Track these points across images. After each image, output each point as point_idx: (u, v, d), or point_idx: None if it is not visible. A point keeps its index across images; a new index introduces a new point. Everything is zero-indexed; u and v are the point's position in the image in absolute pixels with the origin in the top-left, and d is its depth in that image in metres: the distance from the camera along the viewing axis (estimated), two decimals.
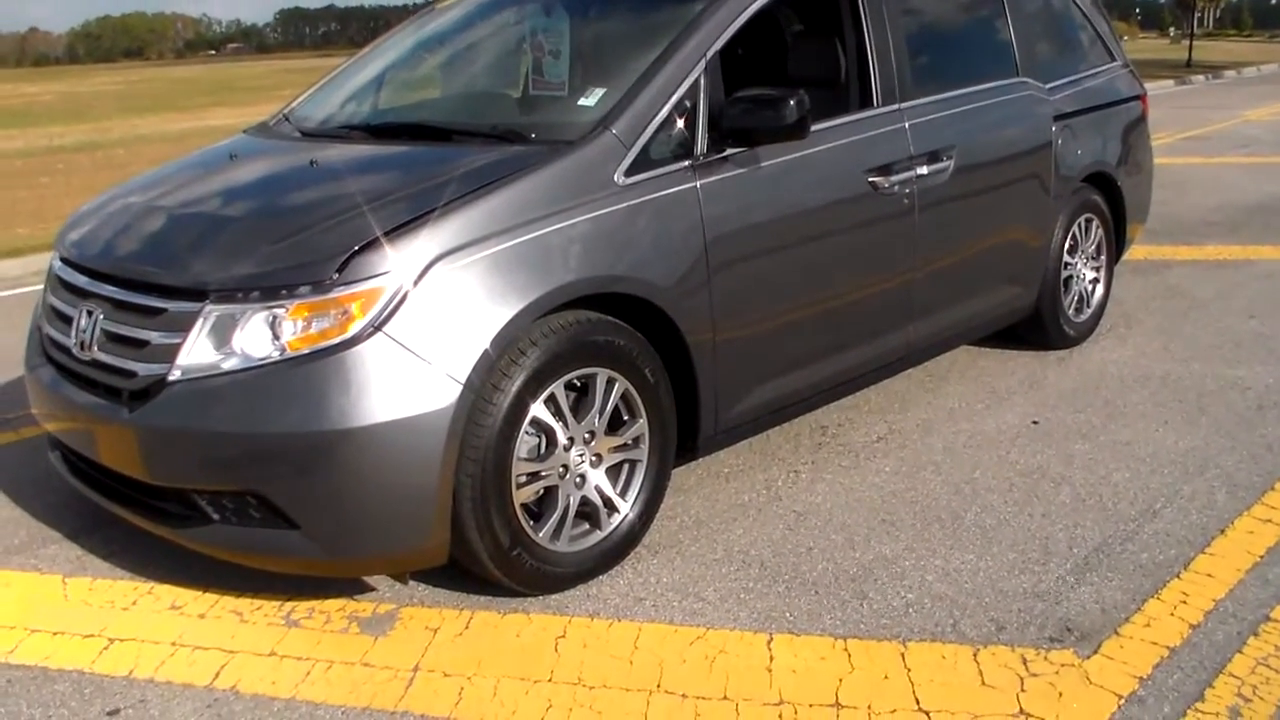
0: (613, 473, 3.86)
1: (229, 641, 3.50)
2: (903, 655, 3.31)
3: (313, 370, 3.25)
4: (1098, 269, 6.36)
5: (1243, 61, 40.93)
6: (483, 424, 3.37)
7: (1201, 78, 33.39)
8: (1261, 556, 3.84)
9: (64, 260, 4.09)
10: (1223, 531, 4.03)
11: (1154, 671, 3.19)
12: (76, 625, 3.63)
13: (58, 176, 15.92)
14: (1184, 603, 3.55)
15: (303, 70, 52.27)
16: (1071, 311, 6.16)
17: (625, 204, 3.77)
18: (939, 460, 4.72)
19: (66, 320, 3.87)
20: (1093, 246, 6.28)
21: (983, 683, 3.17)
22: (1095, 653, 3.29)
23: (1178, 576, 3.72)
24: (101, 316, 3.69)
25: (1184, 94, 27.41)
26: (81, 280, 3.89)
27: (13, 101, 41.86)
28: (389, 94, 5.12)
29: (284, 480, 3.30)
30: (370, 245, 3.33)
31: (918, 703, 3.09)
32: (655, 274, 3.83)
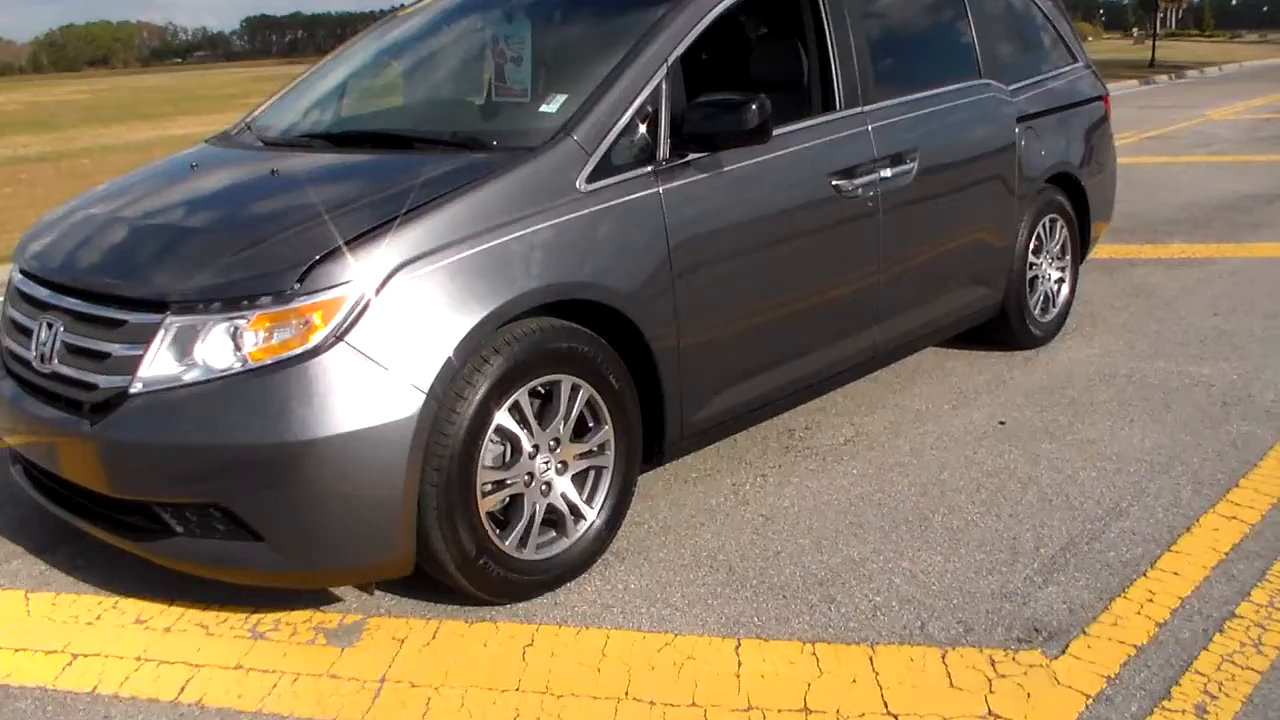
0: (579, 480, 3.85)
1: (195, 655, 3.48)
2: (871, 658, 3.31)
3: (275, 381, 3.23)
4: (1063, 269, 6.40)
5: (1205, 61, 41.20)
6: (447, 433, 3.36)
7: (1165, 77, 33.60)
8: (1227, 553, 3.86)
9: (24, 273, 4.06)
10: (1189, 529, 4.05)
11: (1121, 670, 3.20)
12: (39, 641, 3.59)
13: (22, 187, 15.79)
14: (1151, 601, 3.57)
15: (269, 78, 52.01)
16: (1037, 311, 6.19)
17: (587, 210, 3.76)
18: (906, 462, 4.73)
19: (26, 333, 3.83)
20: (1057, 246, 6.31)
21: (951, 685, 3.18)
22: (1063, 653, 3.30)
23: (1144, 575, 3.73)
24: (62, 329, 3.66)
25: (1148, 94, 27.59)
26: (41, 293, 3.85)
27: None
28: (351, 102, 5.10)
29: (248, 492, 3.28)
30: (331, 254, 3.31)
31: (886, 706, 3.09)
32: (618, 280, 3.82)
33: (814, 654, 3.35)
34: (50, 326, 3.70)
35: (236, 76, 74.23)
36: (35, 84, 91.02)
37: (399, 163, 4.03)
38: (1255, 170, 12.71)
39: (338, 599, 3.77)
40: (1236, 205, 10.48)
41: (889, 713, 3.07)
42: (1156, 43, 41.94)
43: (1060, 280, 6.40)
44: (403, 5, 5.81)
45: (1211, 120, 19.34)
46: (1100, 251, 7.91)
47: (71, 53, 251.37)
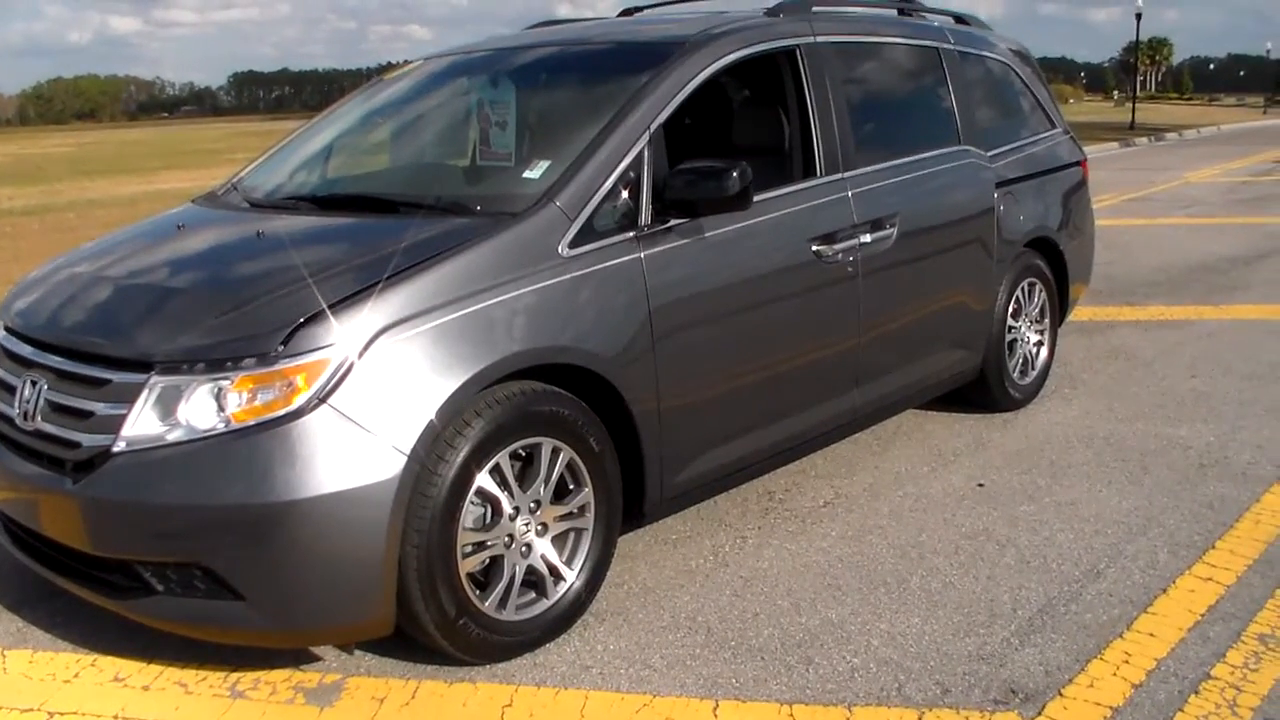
0: (559, 541, 3.86)
1: (173, 714, 3.47)
2: None
3: (258, 442, 3.25)
4: (1042, 331, 6.46)
5: (1184, 124, 41.72)
6: (428, 495, 3.38)
7: (1145, 140, 34.03)
8: (1202, 615, 3.88)
9: (8, 330, 4.07)
10: (1165, 590, 4.08)
11: None
12: (15, 699, 3.57)
13: (5, 240, 15.81)
14: (1126, 662, 3.59)
15: (255, 134, 52.28)
16: (1016, 374, 6.24)
17: (569, 275, 3.80)
18: (885, 524, 4.75)
19: (10, 390, 3.84)
20: (1036, 310, 6.37)
21: None
22: (1039, 714, 3.32)
23: (1120, 636, 3.76)
24: (46, 387, 3.68)
25: (1128, 156, 27.89)
26: (26, 350, 3.87)
27: None
28: (336, 165, 5.15)
29: (229, 552, 3.29)
30: (315, 317, 3.34)
31: None
32: (600, 344, 3.86)
33: (792, 715, 3.36)
34: (34, 384, 3.71)
35: (223, 131, 74.58)
36: (22, 137, 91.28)
37: (383, 226, 4.07)
38: (1232, 232, 12.86)
39: (317, 658, 3.77)
40: (1214, 267, 10.60)
41: None
42: (1136, 105, 42.49)
43: (1039, 343, 6.46)
44: (390, 65, 5.87)
45: (1190, 182, 19.57)
46: (1079, 314, 7.98)
47: (59, 106, 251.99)
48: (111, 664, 3.77)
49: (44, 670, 3.76)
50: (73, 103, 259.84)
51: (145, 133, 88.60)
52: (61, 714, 3.49)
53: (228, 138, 58.89)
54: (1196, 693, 3.40)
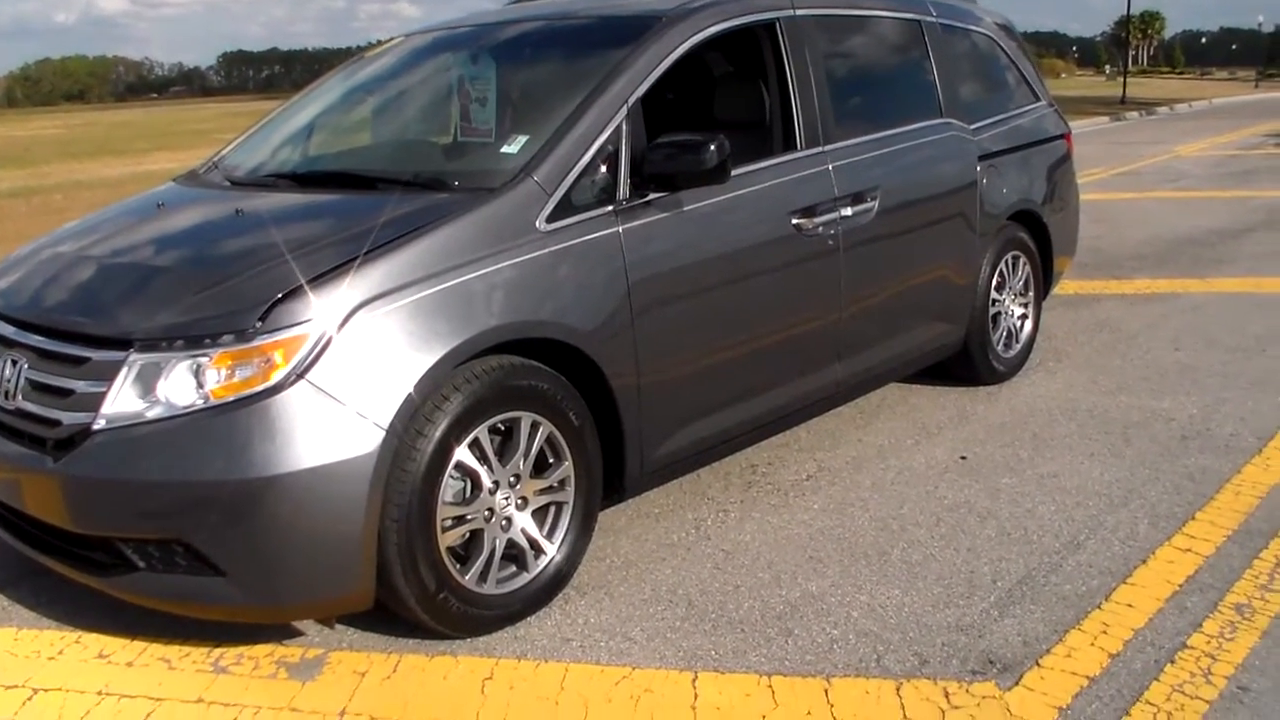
0: (539, 515, 3.88)
1: (156, 689, 3.48)
2: (826, 691, 3.35)
3: (237, 418, 3.26)
4: (1025, 305, 6.47)
5: (1175, 98, 41.74)
6: (407, 469, 3.39)
7: (1136, 114, 34.03)
8: (1180, 585, 3.91)
9: None
10: (1144, 561, 4.10)
11: (1074, 701, 3.24)
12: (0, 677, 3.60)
13: None
14: (1104, 633, 3.61)
15: (245, 114, 51.98)
16: (1000, 347, 6.26)
17: (548, 250, 3.81)
18: (867, 497, 4.77)
19: None
20: (1020, 283, 6.38)
21: (904, 717, 3.21)
22: (1016, 684, 3.34)
23: (1099, 607, 3.78)
24: (26, 366, 3.68)
25: (1118, 130, 27.89)
26: (6, 330, 3.87)
27: None
28: (317, 142, 5.14)
29: (209, 528, 3.30)
30: (293, 293, 3.35)
31: None
32: (578, 318, 3.87)
33: (770, 686, 3.38)
34: (14, 363, 3.72)
35: (213, 112, 74.31)
36: (10, 119, 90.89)
37: (362, 203, 4.07)
38: (1220, 205, 12.88)
39: (299, 633, 3.79)
40: (1201, 240, 10.62)
41: None
42: (1128, 79, 42.47)
43: (1023, 316, 6.47)
44: (379, 42, 5.86)
45: (1180, 156, 19.59)
46: (1064, 287, 8.00)
47: (47, 87, 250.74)
48: (95, 641, 3.79)
49: (28, 648, 3.77)
50: (61, 84, 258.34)
51: (134, 113, 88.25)
52: (45, 690, 3.50)
53: (217, 118, 58.63)
54: (1173, 662, 3.43)
